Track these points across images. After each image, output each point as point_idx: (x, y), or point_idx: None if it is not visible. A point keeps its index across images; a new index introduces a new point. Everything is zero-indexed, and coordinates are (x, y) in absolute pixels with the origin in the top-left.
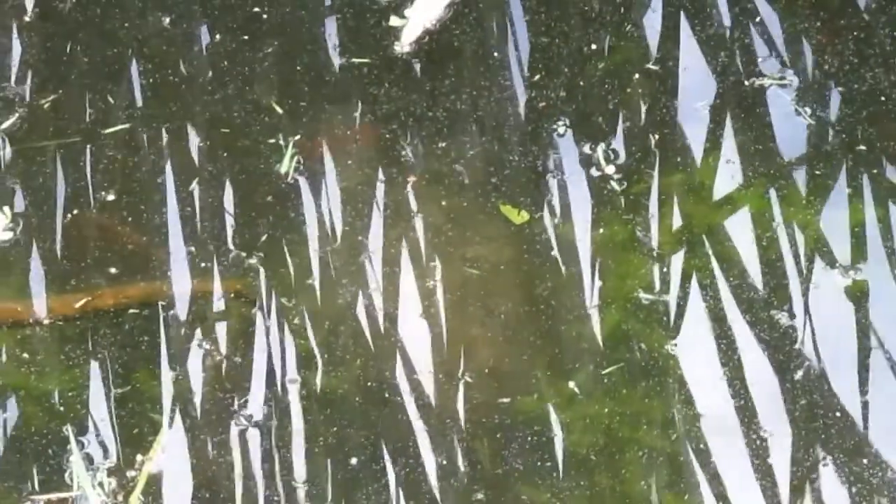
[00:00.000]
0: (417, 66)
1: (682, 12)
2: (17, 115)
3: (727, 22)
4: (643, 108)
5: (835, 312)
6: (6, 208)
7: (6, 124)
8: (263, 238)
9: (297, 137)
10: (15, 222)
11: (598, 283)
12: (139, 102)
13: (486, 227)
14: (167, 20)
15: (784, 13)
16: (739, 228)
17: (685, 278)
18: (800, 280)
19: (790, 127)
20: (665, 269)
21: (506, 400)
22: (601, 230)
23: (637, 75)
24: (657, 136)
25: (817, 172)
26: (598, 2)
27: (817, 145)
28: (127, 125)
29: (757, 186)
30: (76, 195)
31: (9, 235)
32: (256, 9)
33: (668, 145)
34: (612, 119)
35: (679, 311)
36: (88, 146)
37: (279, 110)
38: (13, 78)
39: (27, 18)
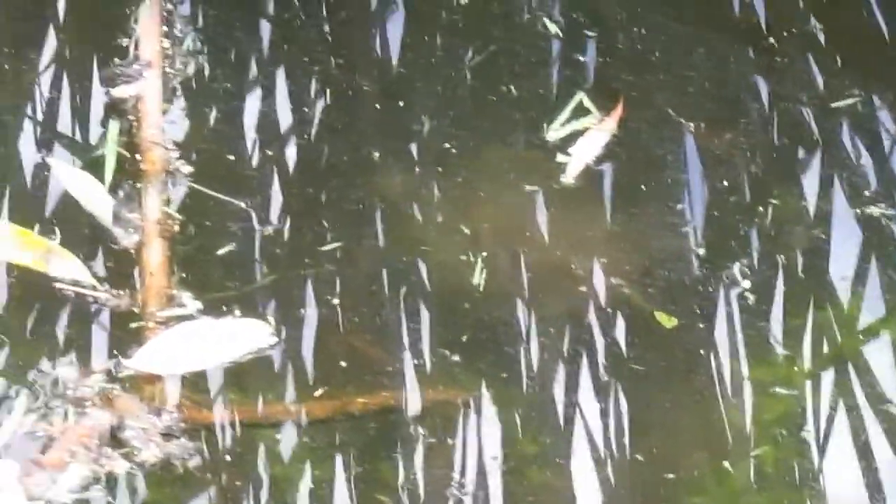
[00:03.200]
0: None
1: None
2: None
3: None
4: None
5: None
6: (271, 318)
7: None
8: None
9: (484, 254)
10: (277, 331)
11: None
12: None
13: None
14: None
15: None
16: (880, 355)
17: (831, 399)
18: None
19: None
20: (807, 388)
21: (670, 476)
22: (740, 336)
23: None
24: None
25: None
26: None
27: None
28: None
29: None
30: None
31: (273, 340)
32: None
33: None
34: (745, 241)
35: (825, 434)
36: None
37: (467, 231)
38: None
39: None
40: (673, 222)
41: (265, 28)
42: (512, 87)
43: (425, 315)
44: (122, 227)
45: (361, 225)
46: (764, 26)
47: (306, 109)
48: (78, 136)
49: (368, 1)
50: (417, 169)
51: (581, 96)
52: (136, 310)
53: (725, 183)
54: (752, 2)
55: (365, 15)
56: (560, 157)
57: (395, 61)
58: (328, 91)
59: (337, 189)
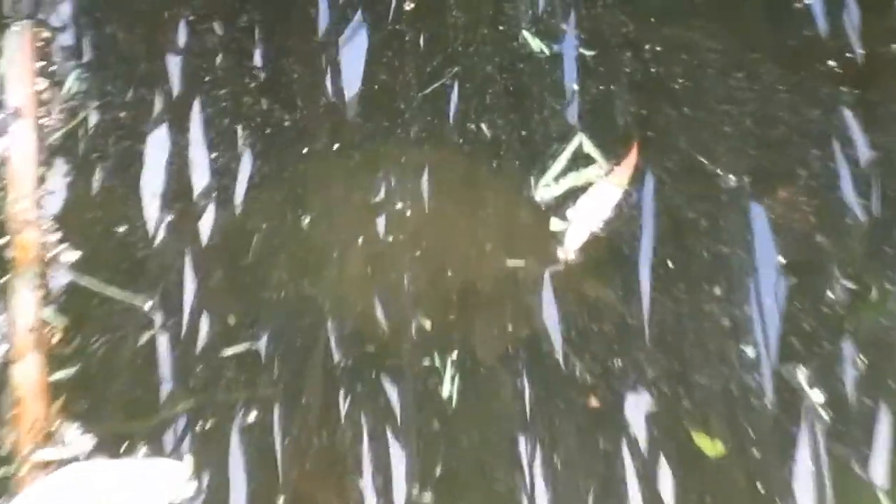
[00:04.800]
0: (580, 275)
1: None
2: None
3: None
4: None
5: None
6: (187, 457)
7: None
8: None
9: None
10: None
11: None
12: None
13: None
14: None
15: None
16: None
17: None
18: None
19: None
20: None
21: None
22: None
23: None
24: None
25: None
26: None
27: None
28: None
29: None
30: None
31: (192, 488)
32: None
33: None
34: (812, 339)
35: None
36: None
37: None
38: None
39: None
40: (711, 311)
41: (174, 62)
42: (483, 127)
43: (395, 448)
44: None
45: (303, 316)
46: (845, 40)
47: (226, 165)
48: None
49: (313, 25)
50: (366, 238)
51: (580, 139)
52: (1, 452)
53: (781, 259)
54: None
55: (307, 44)
56: (555, 224)
57: (348, 98)
58: (255, 141)
59: (263, 271)
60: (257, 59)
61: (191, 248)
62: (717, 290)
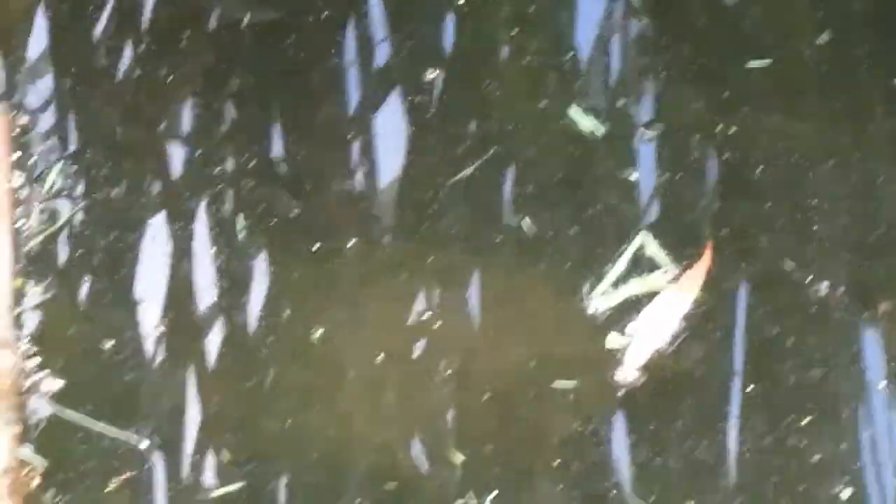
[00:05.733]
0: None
1: None
2: None
3: None
4: None
5: None
6: None
7: None
8: None
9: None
10: None
11: None
12: None
13: None
14: None
15: None
16: None
17: None
18: None
19: None
20: None
21: None
22: None
23: None
24: None
25: None
26: None
27: None
28: None
29: None
30: None
31: None
32: None
33: None
34: None
35: None
36: None
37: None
38: None
39: None
40: (798, 446)
41: (177, 153)
42: (528, 221)
43: None
44: None
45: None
46: None
47: (234, 267)
48: None
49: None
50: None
51: (643, 238)
52: None
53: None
54: None
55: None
56: (613, 339)
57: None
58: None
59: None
60: (276, 145)
61: (195, 371)
62: (806, 421)
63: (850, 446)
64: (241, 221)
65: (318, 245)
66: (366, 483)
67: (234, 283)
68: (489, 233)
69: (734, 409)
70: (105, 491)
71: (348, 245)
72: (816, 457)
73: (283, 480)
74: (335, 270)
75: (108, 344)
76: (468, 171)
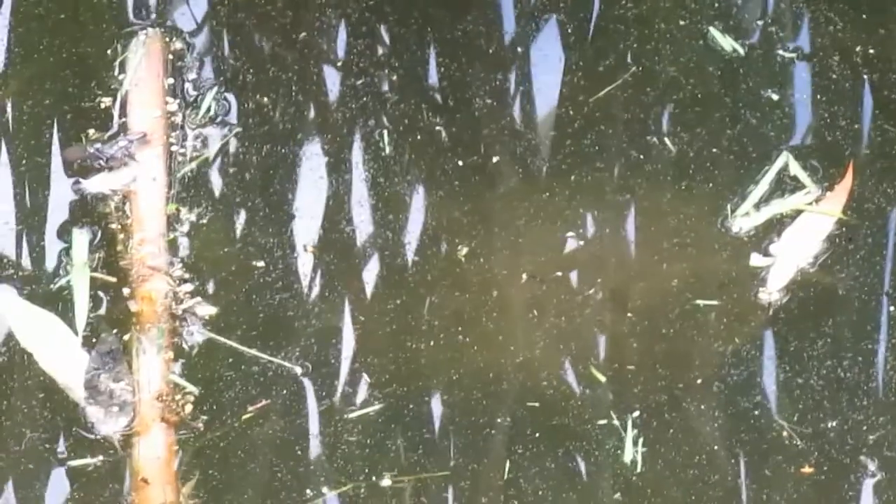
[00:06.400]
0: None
1: None
2: None
3: None
4: None
5: None
6: None
7: None
8: None
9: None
10: None
11: None
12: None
13: None
14: None
15: None
16: None
17: None
18: None
19: None
20: None
21: None
22: None
23: None
24: None
25: None
26: None
27: None
28: None
29: None
30: None
31: None
32: None
33: None
34: None
35: None
36: None
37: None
38: None
39: None
40: None
41: (331, 74)
42: (667, 140)
43: None
44: (101, 405)
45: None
46: None
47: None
48: (26, 257)
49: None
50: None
51: (786, 158)
52: None
53: None
54: None
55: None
56: (755, 259)
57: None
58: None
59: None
60: (432, 75)
61: (351, 300)
62: None
63: None
64: (391, 141)
65: (465, 161)
66: (510, 402)
67: (387, 206)
68: (628, 150)
69: (881, 328)
70: (260, 419)
71: (493, 161)
72: None
73: (435, 400)
74: (482, 191)
75: (260, 264)
76: (608, 88)
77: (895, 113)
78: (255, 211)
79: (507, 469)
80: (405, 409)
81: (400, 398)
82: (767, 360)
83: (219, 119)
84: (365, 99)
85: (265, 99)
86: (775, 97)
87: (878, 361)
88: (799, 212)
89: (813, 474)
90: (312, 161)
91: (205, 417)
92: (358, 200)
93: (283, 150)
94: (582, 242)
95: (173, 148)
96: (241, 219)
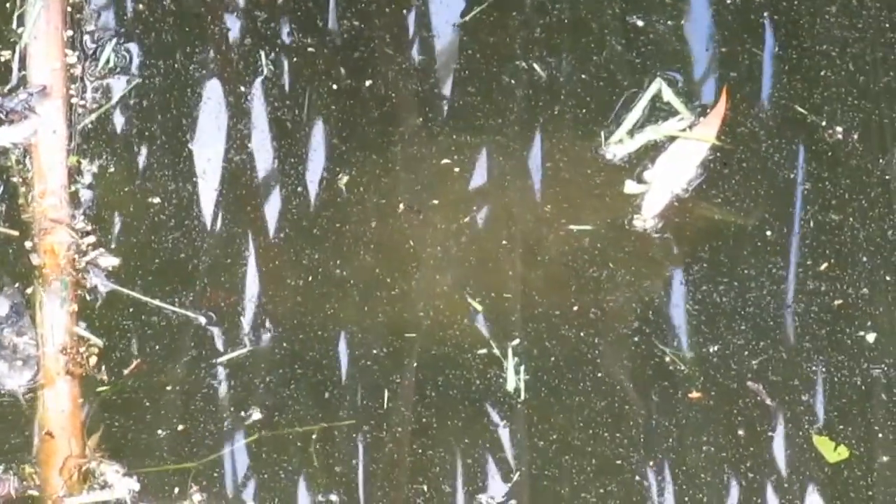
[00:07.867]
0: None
1: None
2: None
3: None
4: None
5: None
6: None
7: None
8: None
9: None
10: None
11: None
12: None
13: None
14: None
15: None
16: None
17: None
18: None
19: None
20: None
21: None
22: None
23: None
24: None
25: None
26: None
27: None
28: None
29: None
30: None
31: None
32: None
33: None
34: None
35: None
36: None
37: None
38: None
39: None
40: (818, 290)
41: (233, 22)
42: (536, 67)
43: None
44: (5, 359)
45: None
46: None
47: (295, 139)
48: None
49: None
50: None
51: (659, 85)
52: (33, 492)
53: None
54: None
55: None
56: (630, 186)
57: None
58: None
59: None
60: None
61: (255, 242)
62: (825, 266)
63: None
64: (310, 99)
65: (375, 114)
66: (387, 335)
67: (290, 151)
68: (498, 75)
69: (753, 254)
70: (165, 370)
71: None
72: (837, 301)
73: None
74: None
75: (165, 213)
76: (475, 11)
77: (763, 36)
78: (157, 162)
79: (385, 398)
80: (314, 353)
81: (308, 342)
82: (643, 286)
83: (119, 70)
84: (266, 47)
85: (163, 51)
86: (640, 23)
87: (752, 286)
88: (673, 138)
89: (701, 399)
90: (214, 110)
91: (108, 369)
92: (263, 151)
93: (183, 101)
94: (458, 170)
95: (73, 100)
96: (142, 168)
